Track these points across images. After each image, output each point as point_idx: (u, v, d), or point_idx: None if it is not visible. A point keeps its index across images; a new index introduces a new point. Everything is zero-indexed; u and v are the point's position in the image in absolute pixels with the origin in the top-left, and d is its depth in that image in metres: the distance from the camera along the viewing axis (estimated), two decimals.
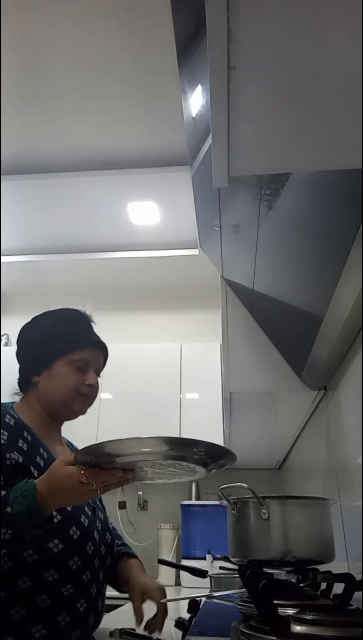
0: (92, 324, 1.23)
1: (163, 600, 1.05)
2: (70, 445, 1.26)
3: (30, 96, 2.26)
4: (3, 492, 0.88)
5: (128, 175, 2.66)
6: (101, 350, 1.19)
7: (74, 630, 0.95)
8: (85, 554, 1.00)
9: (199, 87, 0.91)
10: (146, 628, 1.02)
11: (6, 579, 0.92)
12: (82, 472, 0.85)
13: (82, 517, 1.03)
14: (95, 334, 1.21)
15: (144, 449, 0.85)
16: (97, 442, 0.81)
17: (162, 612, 1.05)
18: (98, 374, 1.20)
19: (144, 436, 0.83)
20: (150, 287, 3.73)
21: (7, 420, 1.02)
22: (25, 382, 1.16)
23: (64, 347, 1.14)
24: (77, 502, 0.92)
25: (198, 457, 0.89)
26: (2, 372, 2.63)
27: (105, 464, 0.86)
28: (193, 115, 1.05)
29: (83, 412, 1.16)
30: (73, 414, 1.15)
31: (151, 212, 2.93)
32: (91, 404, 1.17)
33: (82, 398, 1.14)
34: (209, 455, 0.90)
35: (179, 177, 2.63)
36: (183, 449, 0.87)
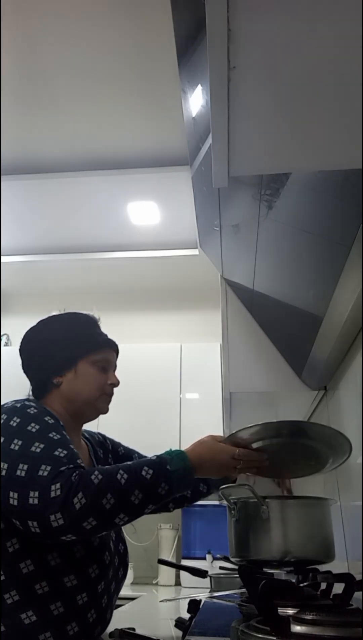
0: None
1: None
2: (90, 438, 1.25)
3: (31, 96, 2.26)
4: (149, 456, 0.98)
5: (128, 175, 2.66)
6: (115, 351, 1.23)
7: None
8: (103, 563, 1.00)
9: (199, 87, 0.91)
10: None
11: (24, 583, 0.92)
12: (237, 450, 1.00)
13: None
14: (107, 336, 1.24)
15: (281, 432, 1.01)
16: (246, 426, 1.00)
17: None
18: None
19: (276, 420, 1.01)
20: (150, 287, 3.73)
21: (47, 418, 1.02)
22: (44, 385, 1.14)
23: (87, 348, 1.15)
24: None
25: (326, 446, 1.04)
26: (2, 372, 2.63)
27: (249, 446, 1.02)
28: (193, 115, 1.05)
29: (106, 410, 1.19)
30: (97, 413, 1.17)
31: (151, 212, 2.93)
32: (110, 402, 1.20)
33: (106, 397, 1.17)
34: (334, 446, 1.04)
35: (179, 177, 2.62)
36: (314, 434, 1.05)
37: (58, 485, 0.87)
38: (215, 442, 1.03)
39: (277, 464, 1.09)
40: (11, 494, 0.89)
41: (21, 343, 1.19)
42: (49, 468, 0.89)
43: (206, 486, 1.23)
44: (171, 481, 0.93)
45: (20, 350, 1.18)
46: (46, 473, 0.88)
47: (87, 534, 0.89)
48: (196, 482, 1.20)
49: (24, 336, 1.19)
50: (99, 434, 1.31)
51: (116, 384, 1.18)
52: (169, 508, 1.26)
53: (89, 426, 1.23)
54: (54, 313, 1.22)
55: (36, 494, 0.87)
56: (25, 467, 0.90)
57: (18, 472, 0.90)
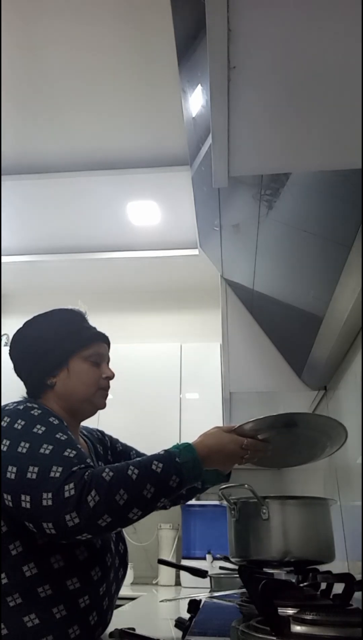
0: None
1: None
2: (89, 435, 1.24)
3: (31, 96, 2.26)
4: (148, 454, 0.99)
5: (128, 175, 2.66)
6: (106, 343, 1.21)
7: None
8: (105, 565, 1.00)
9: (199, 87, 0.91)
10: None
11: (27, 586, 0.91)
12: (245, 440, 1.03)
13: None
14: (96, 329, 1.22)
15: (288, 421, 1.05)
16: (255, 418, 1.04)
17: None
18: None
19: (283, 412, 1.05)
20: (150, 287, 3.73)
21: (52, 419, 1.01)
22: (38, 386, 1.13)
23: (77, 344, 1.13)
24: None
25: (324, 433, 1.09)
26: (1, 372, 2.63)
27: (256, 436, 1.05)
28: (193, 115, 1.05)
29: (104, 406, 1.17)
30: (94, 410, 1.16)
31: (151, 212, 2.93)
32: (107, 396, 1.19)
33: (102, 392, 1.16)
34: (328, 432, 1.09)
35: (179, 177, 2.62)
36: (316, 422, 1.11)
37: (72, 485, 0.87)
38: (223, 433, 1.04)
39: (279, 454, 1.13)
40: (23, 497, 0.89)
41: (10, 346, 1.16)
42: (60, 469, 0.89)
43: (200, 482, 1.23)
44: (182, 473, 0.93)
45: (10, 353, 1.16)
46: (58, 474, 0.88)
47: (103, 532, 0.88)
48: None
49: (12, 339, 1.17)
50: (98, 430, 1.30)
51: (111, 376, 1.16)
52: (166, 506, 1.26)
53: (88, 424, 1.22)
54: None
55: (50, 495, 0.86)
56: (36, 469, 0.90)
57: (29, 475, 0.89)
